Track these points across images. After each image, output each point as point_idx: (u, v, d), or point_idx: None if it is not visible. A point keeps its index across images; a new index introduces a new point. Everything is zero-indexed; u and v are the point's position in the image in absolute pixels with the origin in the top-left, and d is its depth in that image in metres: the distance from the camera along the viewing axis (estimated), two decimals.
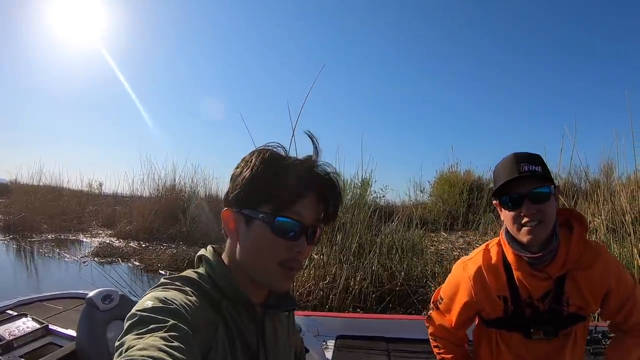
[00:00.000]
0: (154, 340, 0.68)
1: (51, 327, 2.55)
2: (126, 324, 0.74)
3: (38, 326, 2.52)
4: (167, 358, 0.65)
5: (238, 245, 0.97)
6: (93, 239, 12.61)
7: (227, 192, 0.99)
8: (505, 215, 1.53)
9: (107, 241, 11.93)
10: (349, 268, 5.75)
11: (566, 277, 1.53)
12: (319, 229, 1.01)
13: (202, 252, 1.03)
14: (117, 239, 12.31)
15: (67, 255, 10.31)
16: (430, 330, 1.87)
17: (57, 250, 10.95)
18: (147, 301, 0.79)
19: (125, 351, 0.67)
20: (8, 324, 2.49)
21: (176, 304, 0.79)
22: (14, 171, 18.48)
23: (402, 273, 6.02)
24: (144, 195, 14.67)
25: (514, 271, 1.56)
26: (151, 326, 0.72)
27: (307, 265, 5.89)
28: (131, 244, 11.47)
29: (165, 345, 0.67)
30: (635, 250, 4.94)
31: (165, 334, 0.70)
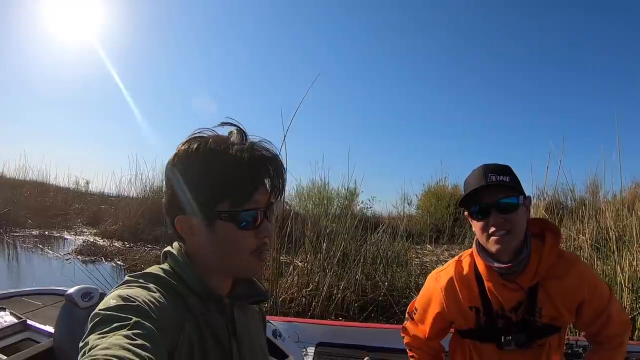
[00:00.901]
0: (117, 339, 0.67)
1: (29, 322, 2.53)
2: (90, 324, 0.73)
3: (16, 321, 2.50)
4: (131, 356, 0.65)
5: (201, 247, 0.95)
6: (77, 236, 12.49)
7: (172, 199, 0.96)
8: (475, 225, 1.53)
9: (92, 240, 11.82)
10: (333, 276, 5.74)
11: (538, 288, 1.53)
12: (274, 205, 1.01)
13: (167, 248, 1.02)
14: (102, 238, 12.20)
15: (51, 252, 10.21)
16: (405, 340, 1.87)
17: (41, 246, 10.86)
18: (110, 300, 0.78)
19: (89, 351, 0.66)
20: None
21: (139, 301, 0.78)
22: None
23: (386, 283, 6.02)
24: (131, 195, 14.55)
25: (485, 282, 1.57)
26: (114, 325, 0.71)
27: (290, 272, 5.89)
28: (115, 244, 11.37)
29: (129, 344, 0.67)
30: (618, 268, 4.97)
31: (129, 332, 0.69)
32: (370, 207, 11.00)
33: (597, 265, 5.34)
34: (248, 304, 1.10)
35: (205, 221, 0.92)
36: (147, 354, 0.67)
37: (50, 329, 2.40)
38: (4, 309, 2.62)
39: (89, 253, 10.11)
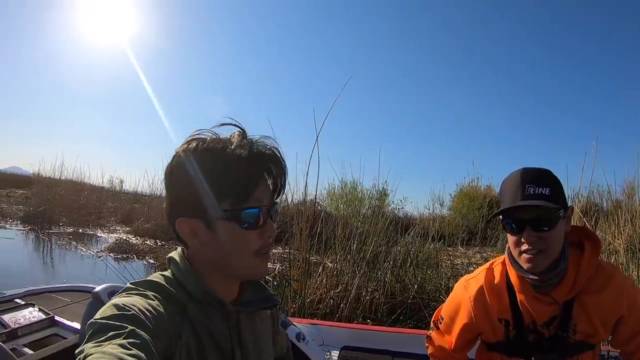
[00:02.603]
0: (112, 348, 0.67)
1: (57, 318, 2.55)
2: (87, 333, 0.74)
3: (44, 317, 2.53)
4: None
5: (204, 250, 0.94)
6: (110, 234, 12.74)
7: (172, 202, 0.96)
8: (508, 238, 1.44)
9: (124, 238, 12.02)
10: (362, 277, 5.68)
11: (574, 302, 1.42)
12: (278, 204, 1.00)
13: (172, 254, 1.01)
14: (134, 236, 12.40)
15: (84, 250, 10.42)
16: (429, 350, 1.79)
17: (74, 243, 11.09)
18: (106, 309, 0.78)
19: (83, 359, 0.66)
20: (15, 313, 2.51)
21: (135, 310, 0.78)
22: (36, 164, 18.78)
23: (415, 286, 5.94)
24: (164, 194, 14.74)
25: (517, 294, 1.47)
26: (110, 333, 0.71)
27: (319, 273, 5.86)
28: (147, 242, 11.54)
29: (124, 353, 0.66)
30: None
31: (124, 341, 0.69)
32: (402, 208, 10.93)
33: (632, 270, 5.15)
34: (256, 310, 1.07)
35: (206, 222, 0.91)
36: None
37: (77, 326, 2.42)
38: (32, 305, 2.65)
39: (121, 251, 10.27)
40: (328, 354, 3.10)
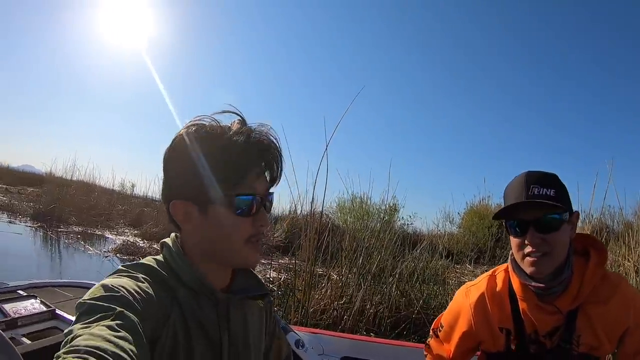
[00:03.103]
0: (100, 329, 0.68)
1: (58, 312, 2.56)
2: (76, 314, 0.74)
3: (45, 309, 2.53)
4: (113, 348, 0.64)
5: (195, 234, 0.94)
6: (118, 236, 12.78)
7: (168, 184, 0.96)
8: (512, 241, 1.40)
9: (132, 240, 12.07)
10: (367, 290, 5.65)
11: (578, 312, 1.37)
12: (273, 194, 0.99)
13: (165, 239, 1.01)
14: (142, 240, 12.45)
15: (91, 249, 10.46)
16: (428, 359, 1.75)
17: (82, 242, 11.15)
18: (95, 290, 0.79)
19: (71, 340, 0.66)
20: (16, 303, 2.52)
21: (123, 291, 0.78)
22: (49, 163, 18.97)
23: (421, 301, 5.89)
24: None
25: (519, 302, 1.43)
26: (98, 315, 0.71)
27: (324, 284, 5.83)
28: (155, 246, 11.54)
29: (111, 335, 0.67)
30: None
31: (112, 323, 0.70)
32: (411, 224, 10.89)
33: None
34: (247, 299, 1.06)
35: (199, 206, 0.91)
36: (128, 346, 0.67)
37: None
38: (34, 297, 2.67)
39: (127, 252, 10.31)
40: None
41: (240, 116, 0.94)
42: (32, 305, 2.54)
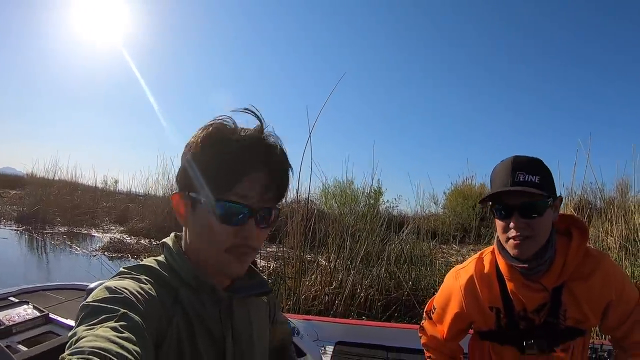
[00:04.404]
0: (104, 331, 0.68)
1: (51, 316, 2.55)
2: (79, 316, 0.74)
3: (38, 314, 2.52)
4: (117, 349, 0.65)
5: (189, 232, 0.95)
6: (105, 234, 12.73)
7: (177, 174, 0.96)
8: (497, 223, 1.44)
9: (119, 237, 12.03)
10: (356, 275, 5.71)
11: (563, 289, 1.43)
12: (273, 210, 0.95)
13: (165, 239, 1.00)
14: (129, 236, 12.40)
15: (78, 249, 10.41)
16: (422, 340, 1.80)
17: (69, 243, 11.07)
18: (99, 292, 0.78)
19: (76, 342, 0.66)
20: (8, 310, 2.49)
21: (127, 293, 0.78)
22: (29, 164, 18.76)
23: (410, 282, 5.97)
24: (158, 194, 14.73)
25: (506, 282, 1.48)
26: (102, 316, 0.71)
27: (314, 271, 5.89)
28: (142, 242, 11.55)
29: (115, 336, 0.67)
30: None
31: (116, 324, 0.70)
32: (396, 207, 10.95)
33: (626, 267, 5.20)
34: (250, 297, 1.06)
35: (192, 203, 0.91)
36: (133, 347, 0.67)
37: (72, 323, 2.42)
38: (27, 303, 2.64)
39: (115, 250, 10.28)
40: (323, 349, 3.12)
41: (260, 121, 0.92)
42: (25, 311, 2.53)
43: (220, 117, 0.92)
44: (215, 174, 0.87)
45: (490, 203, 1.46)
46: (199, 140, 0.89)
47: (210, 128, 0.90)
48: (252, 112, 0.92)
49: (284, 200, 1.02)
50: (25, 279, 6.80)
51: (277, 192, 0.94)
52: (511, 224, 1.36)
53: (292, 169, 0.97)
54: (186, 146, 0.93)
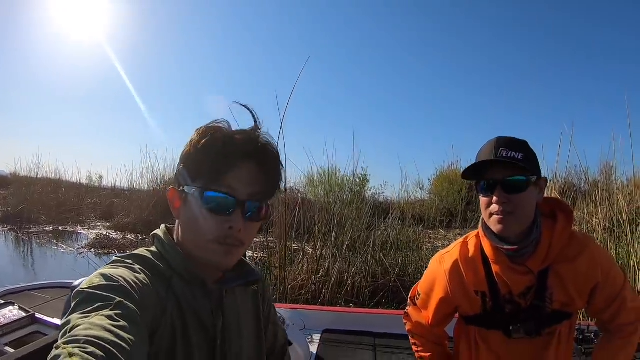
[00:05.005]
0: (99, 319, 0.67)
1: (37, 316, 2.55)
2: (73, 302, 0.74)
3: (24, 315, 2.52)
4: (113, 338, 0.65)
5: (181, 224, 0.97)
6: (90, 230, 12.62)
7: (175, 173, 0.99)
8: (480, 200, 1.45)
9: (105, 233, 11.94)
10: (343, 262, 5.75)
11: (549, 272, 1.42)
12: (265, 205, 0.98)
13: (156, 231, 1.02)
14: (115, 231, 12.32)
15: (64, 247, 10.34)
16: (407, 327, 1.78)
17: (55, 241, 10.98)
18: (94, 278, 0.78)
19: (70, 331, 0.66)
20: None
21: (122, 282, 0.78)
22: (11, 163, 18.58)
23: (397, 269, 6.01)
24: (143, 188, 14.69)
25: (492, 265, 1.47)
26: (97, 304, 0.71)
27: (300, 259, 5.91)
28: (129, 236, 11.49)
29: (111, 325, 0.67)
30: (632, 250, 4.90)
31: (111, 313, 0.70)
32: (382, 193, 10.99)
33: (611, 248, 5.25)
34: (240, 287, 1.08)
35: (184, 196, 0.94)
36: (128, 336, 0.67)
37: (58, 322, 2.42)
38: (12, 304, 2.64)
39: (102, 246, 10.22)
40: (310, 337, 3.14)
41: (255, 121, 0.97)
42: (11, 312, 2.53)
43: (216, 120, 0.95)
44: (204, 167, 0.90)
45: (474, 182, 1.47)
46: (194, 140, 0.92)
47: (204, 128, 0.93)
48: (249, 110, 0.97)
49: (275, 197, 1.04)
50: (12, 279, 6.75)
51: (266, 186, 0.97)
52: (494, 199, 1.37)
53: (283, 166, 1.01)
54: (184, 147, 0.95)
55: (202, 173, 0.91)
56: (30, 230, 12.39)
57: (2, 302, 2.68)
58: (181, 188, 0.94)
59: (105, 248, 10.04)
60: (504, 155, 1.34)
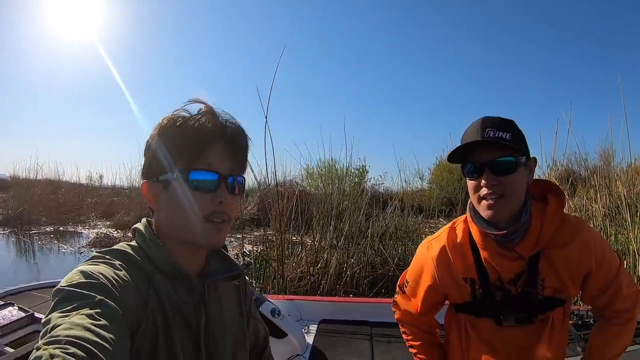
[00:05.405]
0: (80, 318, 0.66)
1: (37, 315, 2.57)
2: (53, 300, 0.73)
3: (23, 315, 2.54)
4: (94, 337, 0.64)
5: (162, 213, 0.96)
6: (91, 230, 12.68)
7: (142, 168, 0.98)
8: (468, 185, 1.37)
9: (105, 232, 12.00)
10: (342, 253, 5.78)
11: (540, 257, 1.36)
12: (242, 179, 1.00)
13: (137, 225, 1.00)
14: (116, 230, 12.40)
15: (65, 247, 10.40)
16: (396, 315, 1.73)
17: (56, 242, 11.04)
18: (74, 276, 0.77)
19: (50, 330, 0.65)
20: None
21: (102, 279, 0.77)
22: (10, 166, 18.64)
23: (396, 258, 6.03)
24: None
25: (480, 251, 1.41)
26: (77, 303, 0.70)
27: (299, 252, 5.94)
28: (129, 234, 11.42)
29: (92, 324, 0.66)
30: (631, 235, 4.89)
31: (92, 311, 0.69)
32: (381, 184, 10.99)
33: (611, 234, 5.26)
34: (222, 280, 1.08)
35: (164, 184, 0.93)
36: (109, 335, 0.67)
37: None
38: (12, 304, 2.66)
39: (102, 245, 10.20)
40: (306, 328, 3.16)
41: (207, 104, 0.96)
42: (10, 313, 2.55)
43: (179, 108, 0.96)
44: (181, 150, 0.91)
45: (461, 165, 1.41)
46: (160, 128, 0.93)
47: (168, 117, 0.94)
48: (198, 100, 0.97)
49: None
50: (15, 280, 6.78)
51: (239, 159, 0.98)
52: (482, 182, 1.30)
53: (249, 139, 1.02)
54: (148, 139, 0.96)
55: (181, 156, 0.91)
56: (32, 232, 12.44)
57: (2, 303, 2.70)
58: (158, 178, 0.94)
59: (106, 246, 9.91)
60: (490, 135, 1.26)
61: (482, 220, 1.37)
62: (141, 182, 0.98)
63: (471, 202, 1.42)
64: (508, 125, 1.31)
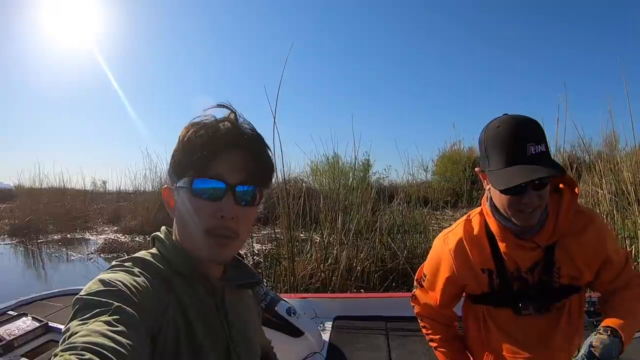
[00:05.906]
0: (97, 325, 0.66)
1: (51, 324, 2.58)
2: (72, 309, 0.73)
3: (38, 324, 2.54)
4: (110, 343, 0.64)
5: (176, 220, 0.96)
6: (99, 236, 12.70)
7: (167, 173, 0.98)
8: (501, 198, 1.34)
9: (113, 237, 12.02)
10: (351, 248, 5.77)
11: (556, 246, 1.39)
12: (258, 191, 0.96)
13: (157, 232, 1.01)
14: (123, 235, 12.40)
15: (74, 254, 10.42)
16: (416, 310, 1.74)
17: (64, 249, 11.05)
18: (92, 285, 0.77)
19: (69, 338, 0.65)
20: (8, 325, 2.52)
21: (120, 286, 0.77)
22: (15, 175, 18.76)
23: (405, 252, 6.02)
24: (147, 189, 14.72)
25: (498, 243, 1.42)
26: (95, 310, 0.70)
27: (308, 249, 5.95)
28: (137, 239, 11.55)
29: (109, 330, 0.66)
30: (639, 220, 4.87)
31: (109, 318, 0.69)
32: (386, 177, 10.99)
33: (617, 220, 5.24)
34: (240, 288, 1.08)
35: (176, 191, 0.93)
36: (126, 340, 0.66)
37: None
38: (25, 315, 2.67)
39: (111, 250, 10.30)
40: (321, 325, 3.16)
41: (233, 111, 0.96)
42: (25, 324, 2.55)
43: (202, 115, 0.95)
44: (192, 159, 0.89)
45: (479, 171, 1.41)
46: (180, 136, 0.92)
47: (189, 124, 0.93)
48: (225, 105, 0.96)
49: (274, 181, 1.03)
50: (25, 290, 6.78)
51: (256, 171, 0.95)
52: (524, 200, 1.28)
53: (269, 149, 1.00)
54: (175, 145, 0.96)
55: (191, 165, 0.89)
56: (39, 241, 12.47)
57: (15, 313, 2.71)
58: (174, 185, 0.94)
59: (115, 252, 10.10)
60: (532, 152, 1.23)
61: (502, 215, 1.39)
62: (163, 185, 0.98)
63: (490, 197, 1.42)
64: (538, 130, 1.29)
